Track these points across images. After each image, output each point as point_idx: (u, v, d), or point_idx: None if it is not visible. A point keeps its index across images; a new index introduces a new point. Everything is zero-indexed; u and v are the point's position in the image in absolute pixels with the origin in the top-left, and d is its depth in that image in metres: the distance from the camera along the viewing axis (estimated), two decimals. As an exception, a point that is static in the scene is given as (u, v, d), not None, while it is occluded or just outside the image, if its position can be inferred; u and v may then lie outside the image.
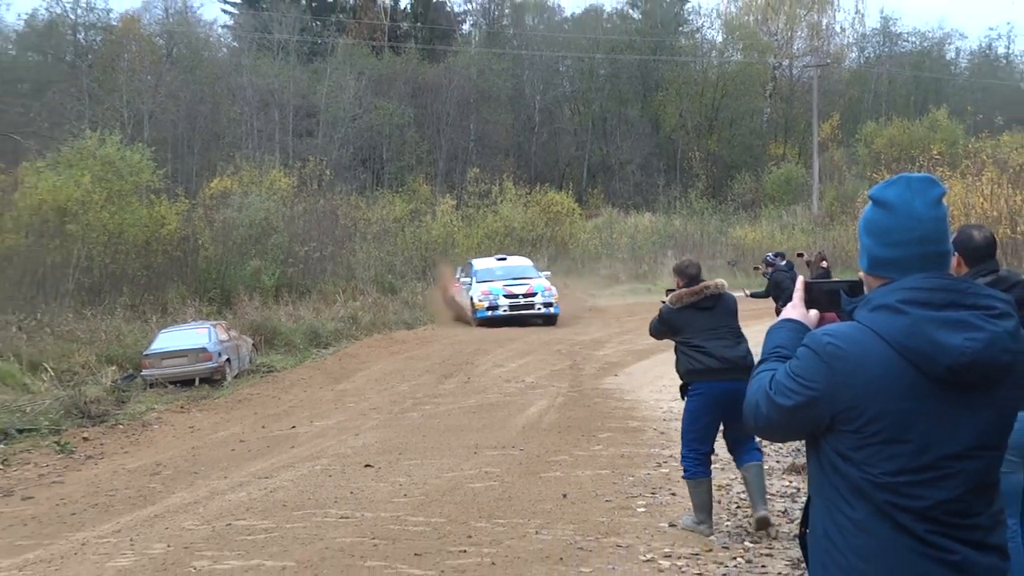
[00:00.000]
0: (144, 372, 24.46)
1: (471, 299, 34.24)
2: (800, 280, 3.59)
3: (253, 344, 28.47)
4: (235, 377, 24.84)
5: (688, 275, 9.55)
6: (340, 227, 45.12)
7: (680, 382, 9.40)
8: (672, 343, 9.55)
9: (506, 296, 33.73)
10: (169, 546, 9.01)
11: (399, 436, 14.52)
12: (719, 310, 9.29)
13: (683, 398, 9.37)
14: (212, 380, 24.18)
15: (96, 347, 27.82)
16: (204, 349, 24.71)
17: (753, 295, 21.88)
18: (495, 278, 34.87)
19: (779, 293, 18.41)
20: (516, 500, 10.30)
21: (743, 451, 9.19)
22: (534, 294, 34.07)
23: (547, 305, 33.89)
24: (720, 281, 9.50)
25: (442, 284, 39.87)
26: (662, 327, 9.54)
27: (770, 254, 21.55)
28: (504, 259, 37.87)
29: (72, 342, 28.00)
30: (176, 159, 53.83)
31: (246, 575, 7.90)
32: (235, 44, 70.38)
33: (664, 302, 9.56)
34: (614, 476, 11.24)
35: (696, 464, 9.09)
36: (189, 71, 60.98)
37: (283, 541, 8.91)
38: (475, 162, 60.66)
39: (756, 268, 21.60)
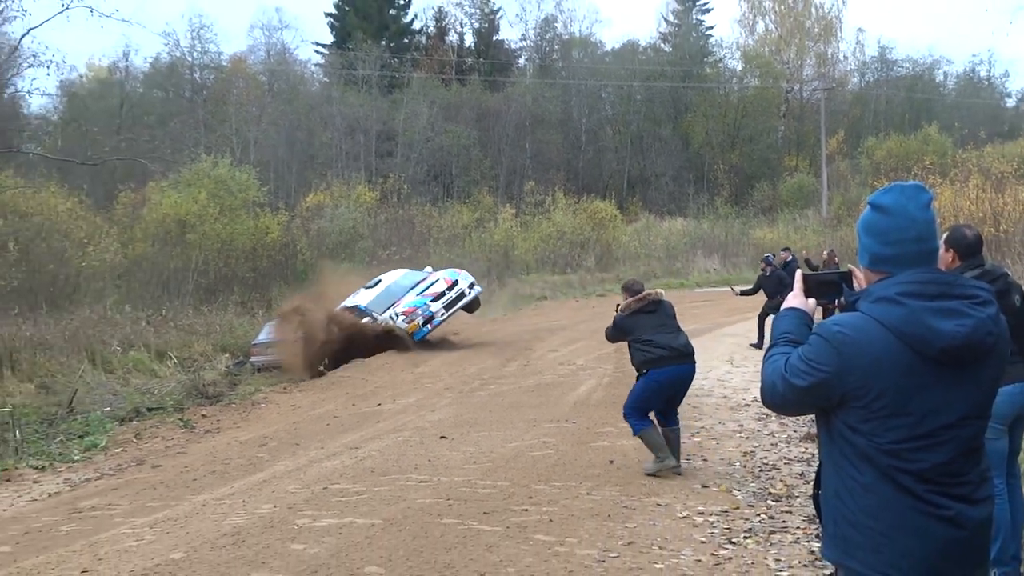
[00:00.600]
0: (252, 359, 24.63)
1: (394, 326, 23.92)
2: (799, 274, 3.65)
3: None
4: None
5: (634, 291, 10.32)
6: (416, 233, 45.31)
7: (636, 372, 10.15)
8: (625, 347, 10.48)
9: (433, 300, 24.83)
10: (275, 507, 9.07)
11: (469, 412, 14.53)
12: (660, 312, 10.15)
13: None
14: (309, 365, 24.28)
15: (212, 338, 28.09)
16: (303, 339, 24.82)
17: (742, 293, 21.91)
18: (401, 293, 25.40)
19: (781, 288, 18.39)
20: (569, 466, 10.29)
21: (670, 417, 10.13)
22: (455, 282, 25.70)
23: (471, 286, 25.98)
24: (659, 290, 10.54)
25: (307, 318, 23.39)
26: (616, 332, 10.39)
27: (769, 255, 21.47)
28: (379, 280, 27.15)
29: (192, 334, 28.30)
30: (277, 178, 54.13)
31: (340, 531, 7.93)
32: (326, 79, 70.58)
33: (616, 313, 10.38)
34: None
35: (640, 422, 9.87)
36: (288, 103, 61.49)
37: (371, 502, 8.94)
38: (531, 176, 60.66)
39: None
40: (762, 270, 20.91)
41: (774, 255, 21.55)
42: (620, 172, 69.02)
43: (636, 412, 9.91)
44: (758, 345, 20.02)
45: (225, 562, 7.21)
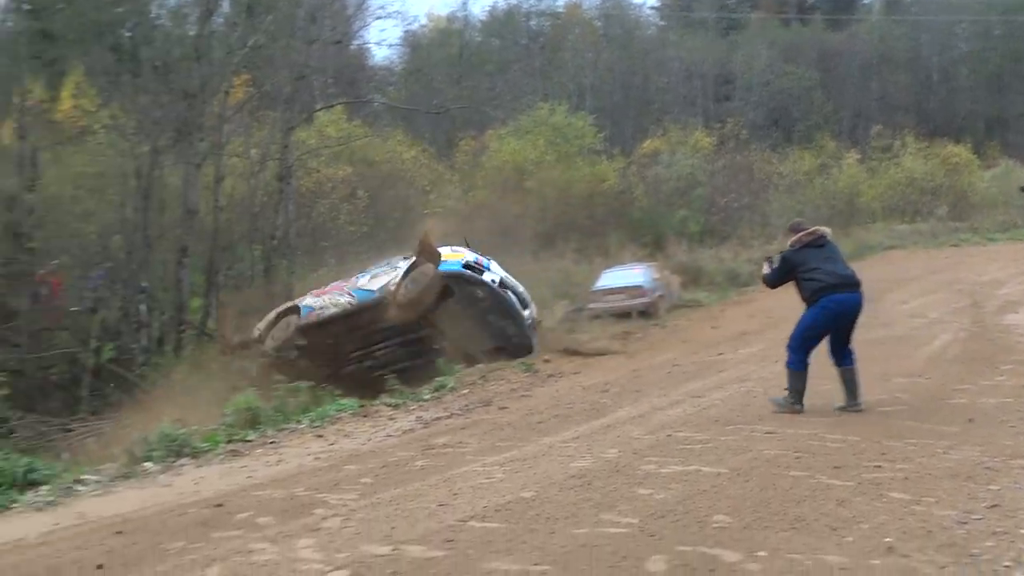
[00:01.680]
0: (590, 305, 25.11)
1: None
2: None
3: (681, 282, 28.64)
4: (667, 311, 25.07)
5: (799, 230, 10.72)
6: (755, 180, 44.56)
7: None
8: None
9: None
10: (620, 452, 9.22)
11: (812, 363, 14.25)
12: (827, 248, 10.63)
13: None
14: (647, 313, 24.52)
15: (549, 284, 28.82)
16: (640, 286, 25.10)
17: None
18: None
19: None
20: (924, 423, 9.90)
21: (844, 356, 10.52)
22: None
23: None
24: (826, 228, 10.88)
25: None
26: (783, 268, 10.71)
27: None
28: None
29: (530, 280, 29.13)
30: (613, 124, 54.66)
31: (686, 479, 7.98)
32: (662, 23, 70.52)
33: (769, 259, 11.14)
34: (1018, 404, 10.58)
35: (799, 357, 10.50)
36: (623, 48, 61.87)
37: (717, 451, 8.93)
38: (877, 119, 58.46)
39: None
40: None
41: None
42: (976, 114, 65.25)
43: (801, 346, 10.48)
44: None
45: (573, 503, 7.41)
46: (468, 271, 16.93)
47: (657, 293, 25.28)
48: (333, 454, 10.37)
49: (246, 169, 23.87)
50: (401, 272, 17.10)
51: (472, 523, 6.97)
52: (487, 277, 17.32)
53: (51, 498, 9.20)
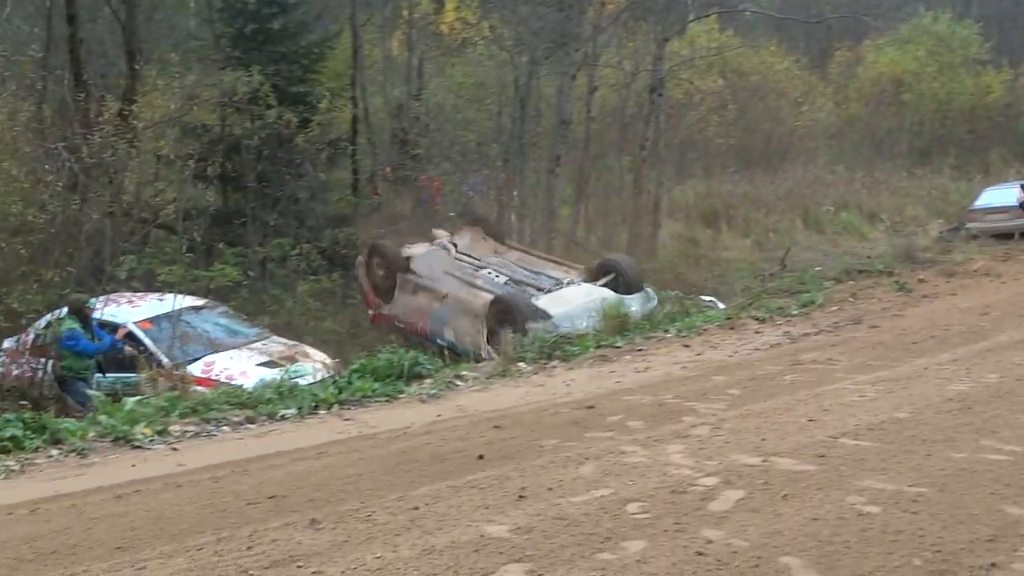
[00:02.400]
0: (968, 225, 23.83)
1: None
2: None
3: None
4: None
5: None
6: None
7: None
8: None
9: None
10: (1001, 377, 8.82)
11: None
12: None
13: None
14: (1029, 235, 23.01)
15: (924, 202, 27.60)
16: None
17: None
18: None
19: None
20: None
21: None
22: None
23: None
24: None
25: None
26: None
27: None
28: None
29: (904, 197, 28.03)
30: (1000, 33, 50.98)
31: (1078, 408, 7.57)
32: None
33: None
34: None
35: None
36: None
37: None
38: None
39: None
40: None
41: None
42: None
43: None
44: None
45: (951, 427, 7.18)
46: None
47: (1048, 213, 23.62)
48: (700, 364, 10.47)
49: (618, 80, 24.11)
50: None
51: (844, 440, 6.90)
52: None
53: (434, 391, 9.84)
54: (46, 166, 14.13)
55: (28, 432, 8.05)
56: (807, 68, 38.09)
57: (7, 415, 8.55)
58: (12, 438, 7.87)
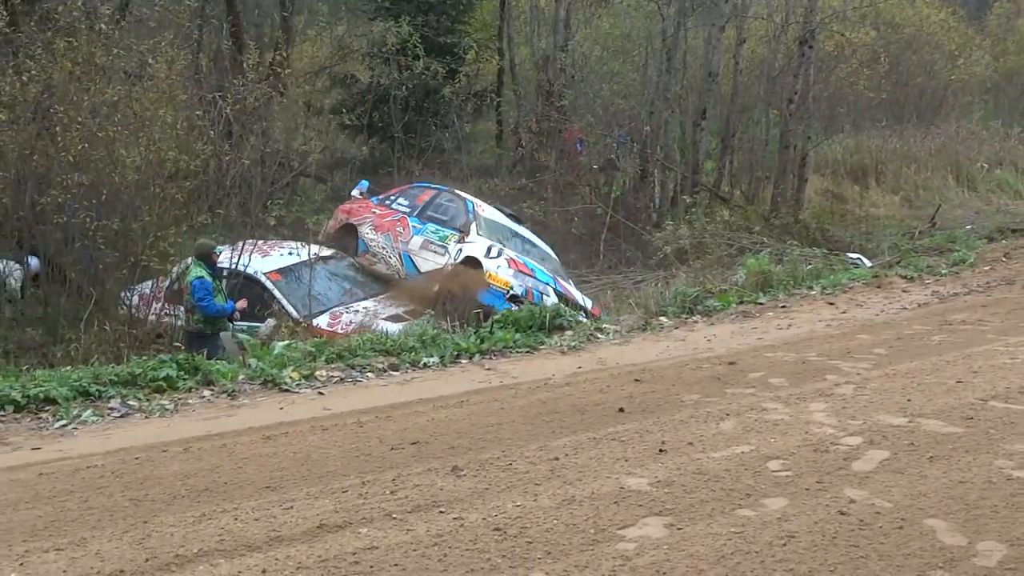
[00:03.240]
0: None
1: None
2: None
3: None
4: None
5: None
6: None
7: None
8: None
9: None
10: None
11: None
12: None
13: None
14: None
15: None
16: None
17: None
18: None
19: None
20: None
21: None
22: None
23: None
24: None
25: None
26: None
27: None
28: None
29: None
30: None
31: None
32: None
33: None
34: None
35: None
36: None
37: None
38: None
39: None
40: None
41: None
42: None
43: None
44: None
45: (1110, 393, 6.98)
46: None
47: None
48: (845, 322, 10.31)
49: (767, 32, 23.62)
50: (450, 258, 14.59)
51: (993, 403, 6.75)
52: None
53: (574, 343, 9.90)
54: (197, 112, 14.46)
55: (182, 373, 8.36)
56: (964, 20, 36.73)
57: (162, 356, 8.87)
58: (167, 378, 8.19)
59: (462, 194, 16.23)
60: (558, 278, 14.71)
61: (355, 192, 16.91)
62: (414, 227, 15.36)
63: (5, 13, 13.93)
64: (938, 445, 5.84)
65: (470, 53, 22.81)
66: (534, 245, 15.76)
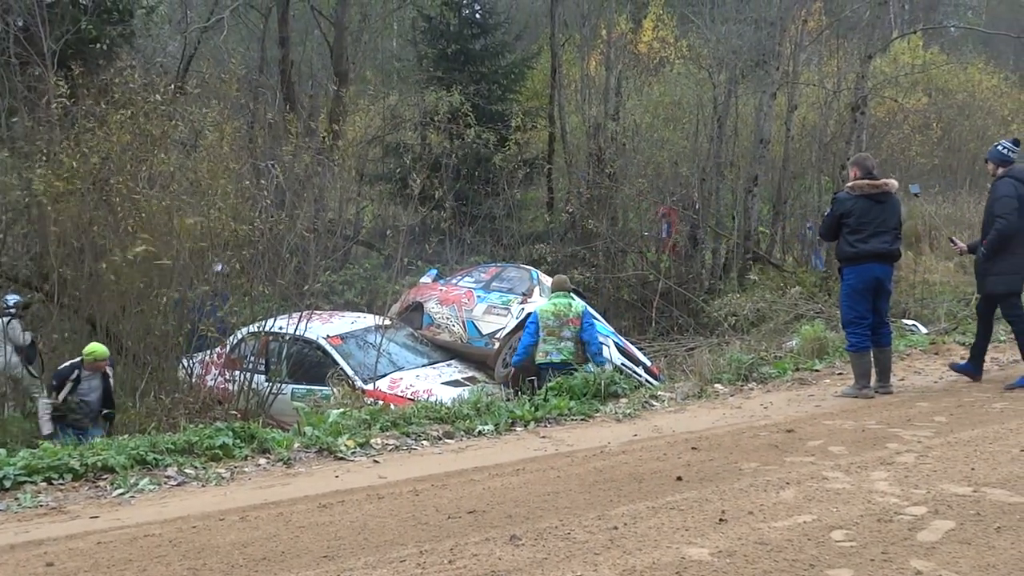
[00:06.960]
0: None
1: None
2: None
3: None
4: None
5: (866, 168, 9.87)
6: None
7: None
8: None
9: None
10: None
11: None
12: (888, 206, 9.77)
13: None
14: None
15: None
16: None
17: None
18: None
19: None
20: None
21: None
22: None
23: None
24: (893, 181, 9.90)
25: None
26: (835, 213, 9.86)
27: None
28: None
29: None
30: None
31: None
32: None
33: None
34: None
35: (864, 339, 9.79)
36: None
37: None
38: None
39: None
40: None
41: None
42: None
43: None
44: None
45: None
46: None
47: None
48: (903, 390, 10.22)
49: (819, 99, 23.69)
50: (511, 325, 14.65)
51: (1062, 472, 6.63)
52: None
53: (629, 411, 9.88)
54: (248, 182, 14.69)
55: (238, 441, 8.41)
56: (1016, 85, 36.60)
57: (219, 424, 8.94)
58: (223, 446, 8.24)
59: (526, 266, 16.78)
60: (619, 334, 14.81)
61: (424, 279, 17.23)
62: (479, 296, 15.57)
63: (65, 86, 14.28)
64: (1005, 515, 5.73)
65: (518, 120, 23.00)
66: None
